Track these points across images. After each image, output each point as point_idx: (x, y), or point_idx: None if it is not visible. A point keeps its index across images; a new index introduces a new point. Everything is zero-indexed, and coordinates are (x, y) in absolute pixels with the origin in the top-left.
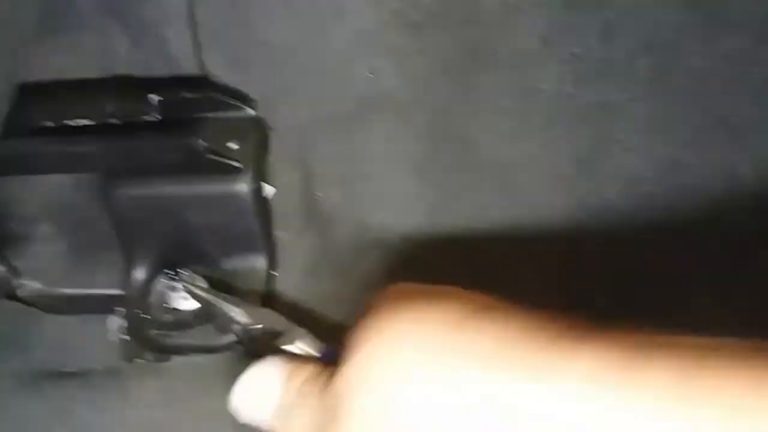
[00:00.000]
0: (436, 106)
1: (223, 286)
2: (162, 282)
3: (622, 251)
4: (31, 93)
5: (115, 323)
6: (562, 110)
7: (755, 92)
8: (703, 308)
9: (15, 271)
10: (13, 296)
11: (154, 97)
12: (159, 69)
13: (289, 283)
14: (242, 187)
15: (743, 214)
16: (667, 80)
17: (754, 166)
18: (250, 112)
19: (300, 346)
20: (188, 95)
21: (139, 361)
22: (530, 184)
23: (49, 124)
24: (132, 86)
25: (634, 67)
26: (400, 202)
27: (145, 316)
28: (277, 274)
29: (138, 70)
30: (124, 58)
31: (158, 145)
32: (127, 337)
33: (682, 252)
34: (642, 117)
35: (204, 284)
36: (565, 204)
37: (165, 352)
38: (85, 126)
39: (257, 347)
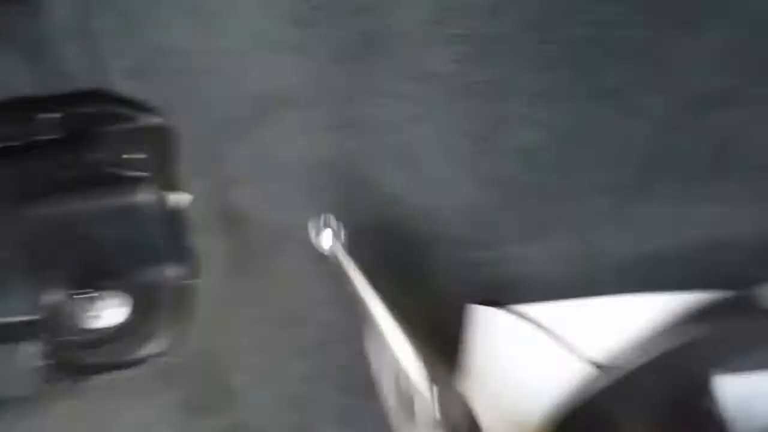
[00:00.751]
0: (338, 97)
1: (145, 301)
2: (75, 302)
3: (525, 221)
4: None
5: (31, 349)
6: (456, 89)
7: (634, 54)
8: None
9: None
10: None
11: (53, 116)
12: (57, 86)
13: (210, 288)
14: (145, 197)
15: (636, 174)
16: (552, 52)
17: (642, 126)
18: (155, 120)
19: None
20: (88, 110)
21: (58, 384)
22: (433, 164)
23: None
24: (30, 106)
25: (520, 42)
26: (311, 197)
27: (60, 339)
28: (197, 281)
29: (36, 89)
30: (20, 78)
31: (59, 163)
32: (45, 362)
33: None
34: (532, 90)
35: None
36: (468, 181)
37: (83, 372)
38: None
39: None
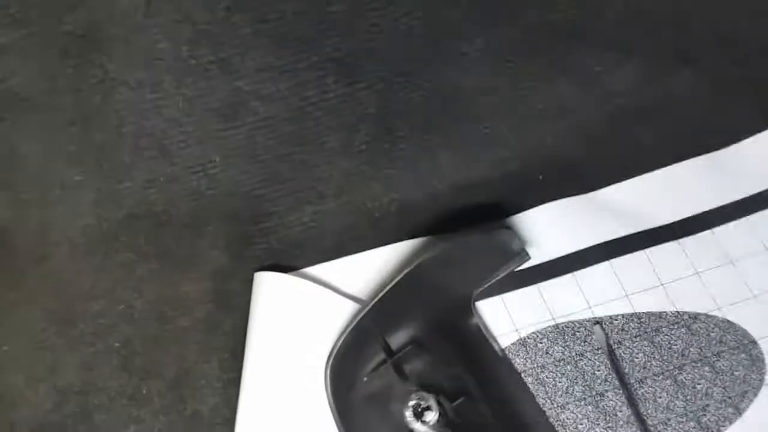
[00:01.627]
0: (69, 91)
1: None
2: None
3: (286, 189)
4: None
5: None
6: (189, 72)
7: (348, 26)
8: None
9: None
10: None
11: None
12: None
13: None
14: None
15: (375, 133)
16: (269, 30)
17: (366, 90)
18: None
19: None
20: None
21: None
22: (186, 146)
23: None
24: None
25: (233, 23)
26: (66, 194)
27: None
28: None
29: None
30: None
31: None
32: None
33: None
34: (258, 67)
35: None
36: (225, 158)
37: None
38: None
39: None
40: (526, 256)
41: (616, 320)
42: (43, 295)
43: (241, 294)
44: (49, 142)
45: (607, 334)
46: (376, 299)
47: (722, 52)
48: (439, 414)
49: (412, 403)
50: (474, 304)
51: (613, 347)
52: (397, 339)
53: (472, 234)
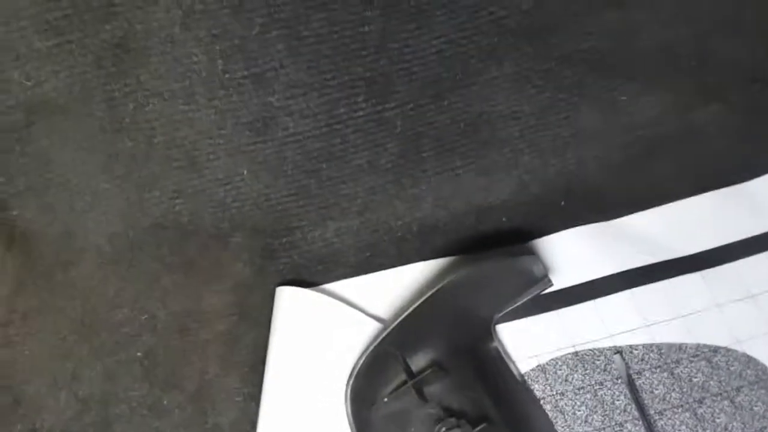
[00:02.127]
0: (103, 99)
1: None
2: None
3: (312, 205)
4: None
5: None
6: (223, 86)
7: (376, 48)
8: None
9: None
10: None
11: None
12: None
13: None
14: None
15: (401, 153)
16: (302, 47)
17: (394, 109)
18: None
19: None
20: None
21: None
22: (215, 159)
23: None
24: None
25: (268, 40)
26: (95, 202)
27: None
28: None
29: None
30: None
31: None
32: None
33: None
34: (291, 82)
35: None
36: (253, 172)
37: None
38: None
39: None
40: (549, 283)
41: (636, 350)
42: (66, 301)
43: (263, 308)
44: (80, 149)
45: (627, 364)
46: (398, 320)
47: (746, 87)
48: None
49: (439, 428)
50: (494, 328)
51: (633, 377)
52: (418, 361)
53: (495, 258)
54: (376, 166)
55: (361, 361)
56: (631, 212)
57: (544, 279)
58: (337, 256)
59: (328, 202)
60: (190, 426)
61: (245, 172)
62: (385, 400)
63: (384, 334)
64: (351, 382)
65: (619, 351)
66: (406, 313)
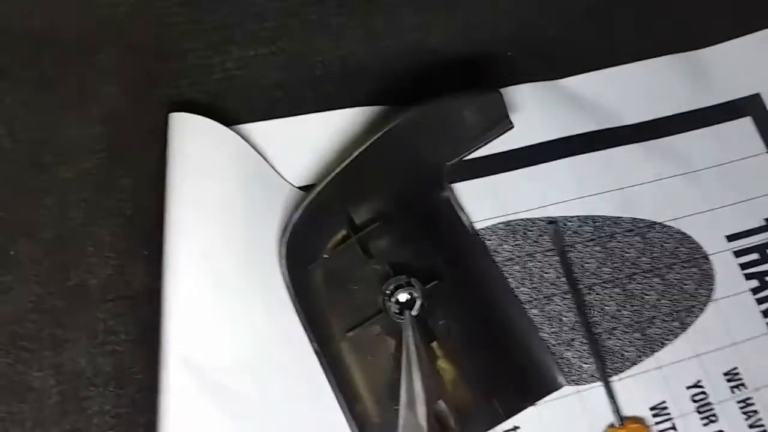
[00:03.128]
0: None
1: None
2: None
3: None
4: None
5: None
6: None
7: None
8: None
9: None
10: None
11: None
12: None
13: None
14: None
15: None
16: None
17: None
18: None
19: None
20: None
21: None
22: None
23: None
24: None
25: None
26: None
27: None
28: None
29: None
30: None
31: None
32: None
33: None
34: None
35: None
36: None
37: None
38: None
39: None
40: (509, 125)
41: (571, 222)
42: None
43: (142, 148)
44: None
45: (560, 235)
46: (340, 168)
47: None
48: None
49: (387, 285)
50: (446, 176)
51: (566, 249)
52: (361, 213)
53: (452, 96)
54: None
55: (297, 215)
56: (580, 72)
57: (505, 121)
58: (239, 92)
59: (230, 21)
60: (47, 283)
61: None
62: (326, 256)
63: (323, 184)
64: (286, 237)
65: (553, 221)
66: (349, 159)
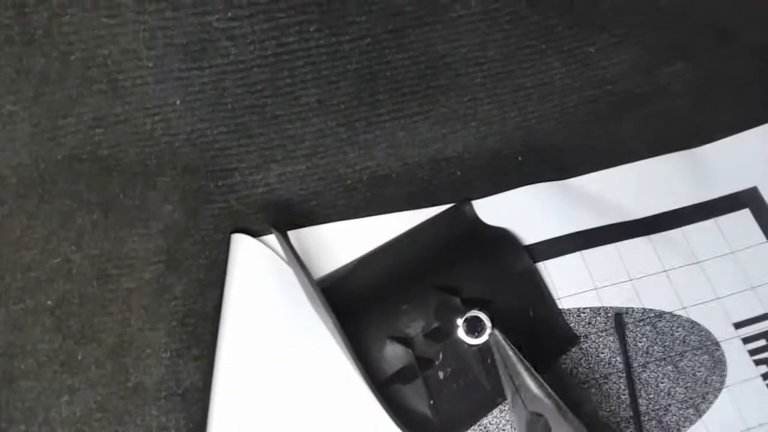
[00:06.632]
0: (11, 5)
1: None
2: None
3: (255, 144)
4: None
5: None
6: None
7: None
8: None
9: None
10: None
11: None
12: None
13: None
14: None
15: (356, 92)
16: None
17: (350, 43)
18: None
19: None
20: None
21: None
22: (141, 84)
23: None
24: None
25: None
26: (3, 129)
27: None
28: None
29: None
30: None
31: None
32: None
33: None
34: (234, 2)
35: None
36: (187, 103)
37: None
38: None
39: None
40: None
41: (584, 313)
42: None
43: (194, 256)
44: None
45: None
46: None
47: (713, 48)
48: None
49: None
50: None
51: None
52: None
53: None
54: (327, 105)
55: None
56: (589, 171)
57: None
58: (280, 204)
59: (271, 143)
60: (109, 384)
61: (178, 102)
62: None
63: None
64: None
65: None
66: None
